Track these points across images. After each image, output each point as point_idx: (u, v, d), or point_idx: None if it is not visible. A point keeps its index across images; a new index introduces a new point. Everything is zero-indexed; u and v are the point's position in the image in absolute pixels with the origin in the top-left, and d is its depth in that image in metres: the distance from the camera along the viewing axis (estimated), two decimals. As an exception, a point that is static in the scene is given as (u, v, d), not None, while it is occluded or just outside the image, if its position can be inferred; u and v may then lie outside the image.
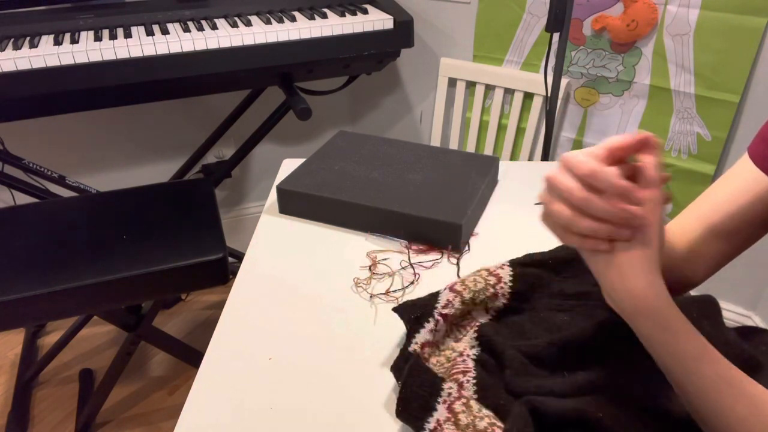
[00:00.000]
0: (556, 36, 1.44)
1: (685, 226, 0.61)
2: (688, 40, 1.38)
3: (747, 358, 0.52)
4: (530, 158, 1.71)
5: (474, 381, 0.54)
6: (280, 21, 1.39)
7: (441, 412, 0.50)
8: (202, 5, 1.44)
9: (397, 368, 0.55)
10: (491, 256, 0.78)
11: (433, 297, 0.62)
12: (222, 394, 0.58)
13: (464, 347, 0.60)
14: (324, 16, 1.43)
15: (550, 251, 0.69)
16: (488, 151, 1.78)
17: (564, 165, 0.44)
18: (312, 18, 1.41)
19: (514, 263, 0.66)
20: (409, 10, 1.52)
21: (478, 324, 0.62)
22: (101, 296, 1.11)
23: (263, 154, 2.05)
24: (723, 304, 1.64)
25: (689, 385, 0.45)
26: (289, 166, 1.02)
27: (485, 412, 0.50)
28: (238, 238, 2.13)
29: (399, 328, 0.66)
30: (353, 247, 0.82)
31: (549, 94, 1.39)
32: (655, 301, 0.45)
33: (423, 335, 0.59)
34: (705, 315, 0.55)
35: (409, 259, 0.79)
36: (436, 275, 0.76)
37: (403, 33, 1.46)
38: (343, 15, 1.45)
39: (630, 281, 0.44)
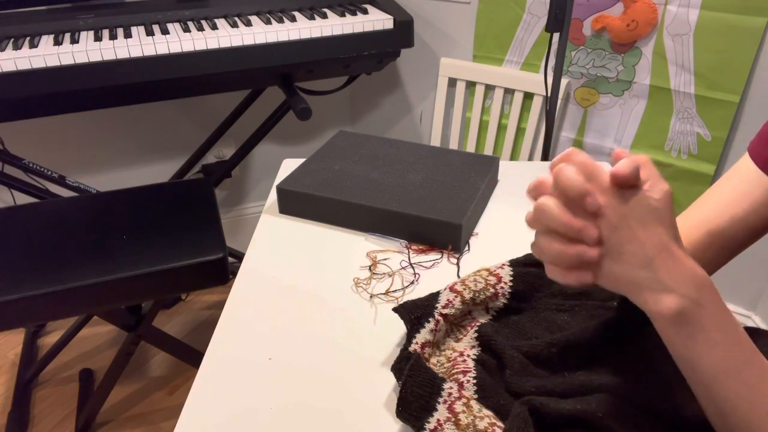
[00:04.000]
0: (556, 36, 1.44)
1: (686, 229, 0.61)
2: (688, 40, 1.38)
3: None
4: (530, 158, 1.71)
5: (474, 381, 0.54)
6: (280, 21, 1.39)
7: (441, 412, 0.50)
8: (202, 5, 1.44)
9: (397, 368, 0.55)
10: (491, 256, 0.78)
11: (434, 297, 0.62)
12: (222, 394, 0.58)
13: (464, 347, 0.60)
14: (324, 16, 1.43)
15: (551, 251, 0.69)
16: (488, 151, 1.78)
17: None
18: (312, 18, 1.41)
19: (514, 263, 0.66)
20: (409, 10, 1.52)
21: (478, 324, 0.62)
22: (101, 296, 1.11)
23: (263, 154, 2.05)
24: (723, 304, 1.64)
25: (743, 377, 0.42)
26: (289, 166, 1.02)
27: (485, 412, 0.50)
28: (238, 238, 2.13)
29: (399, 328, 0.66)
30: (353, 247, 0.82)
31: (549, 94, 1.39)
32: (710, 279, 0.43)
33: (423, 335, 0.59)
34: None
35: (409, 259, 0.79)
36: (436, 275, 0.76)
37: (403, 33, 1.46)
38: (343, 15, 1.45)
39: (687, 262, 0.42)
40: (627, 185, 0.42)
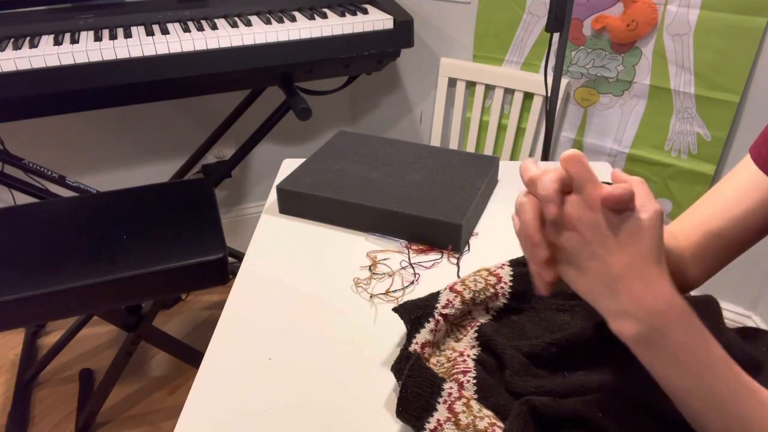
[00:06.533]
0: (556, 36, 1.44)
1: (687, 229, 0.61)
2: (688, 40, 1.38)
3: (747, 359, 0.52)
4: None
5: (474, 381, 0.54)
6: (280, 21, 1.39)
7: (441, 412, 0.50)
8: (202, 5, 1.44)
9: (397, 368, 0.55)
10: (491, 256, 0.78)
11: (434, 297, 0.62)
12: (222, 394, 0.58)
13: (464, 347, 0.60)
14: (324, 16, 1.43)
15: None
16: (488, 151, 1.78)
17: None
18: (312, 18, 1.41)
19: (514, 263, 0.66)
20: (409, 10, 1.52)
21: (478, 324, 0.62)
22: (101, 296, 1.11)
23: (263, 154, 2.05)
24: (723, 304, 1.64)
25: (714, 394, 0.41)
26: (289, 166, 1.02)
27: (485, 412, 0.50)
28: (238, 238, 2.13)
29: (399, 328, 0.66)
30: (353, 247, 0.82)
31: (549, 94, 1.39)
32: (684, 304, 0.41)
33: (423, 335, 0.59)
34: (705, 316, 0.54)
35: (409, 259, 0.79)
36: (436, 275, 0.76)
37: (403, 33, 1.46)
38: (343, 15, 1.45)
39: (658, 286, 0.41)
40: (618, 208, 0.41)
